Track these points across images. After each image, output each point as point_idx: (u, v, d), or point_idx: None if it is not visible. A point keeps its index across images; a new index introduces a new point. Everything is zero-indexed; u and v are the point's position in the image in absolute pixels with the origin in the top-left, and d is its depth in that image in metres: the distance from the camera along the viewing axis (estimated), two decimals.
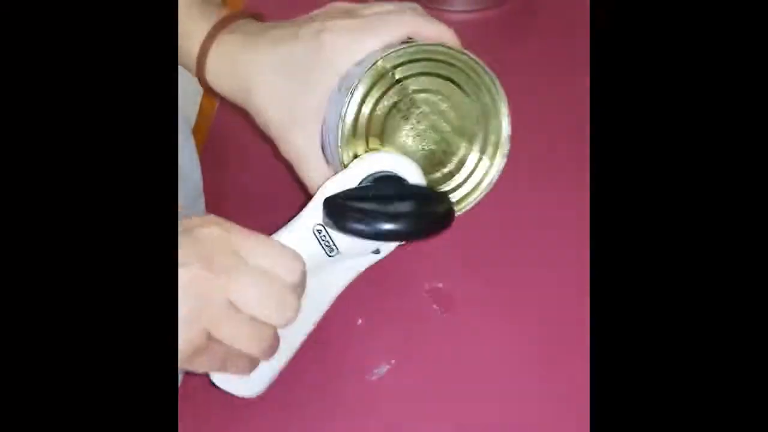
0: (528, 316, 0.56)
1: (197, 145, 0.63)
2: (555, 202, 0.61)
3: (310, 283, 0.43)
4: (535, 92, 0.67)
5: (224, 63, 0.48)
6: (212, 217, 0.41)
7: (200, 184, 0.61)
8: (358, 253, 0.46)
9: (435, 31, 0.47)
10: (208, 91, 0.51)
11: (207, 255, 0.38)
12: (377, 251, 0.46)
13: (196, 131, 0.65)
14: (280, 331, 0.42)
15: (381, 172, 0.44)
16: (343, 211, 0.41)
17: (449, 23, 0.48)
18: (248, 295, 0.38)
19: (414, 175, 0.44)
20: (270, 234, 0.45)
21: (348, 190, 0.43)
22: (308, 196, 0.45)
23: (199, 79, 0.50)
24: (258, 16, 0.51)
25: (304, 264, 0.41)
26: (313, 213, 0.44)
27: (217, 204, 0.61)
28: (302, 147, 0.47)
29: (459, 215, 0.48)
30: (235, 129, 0.65)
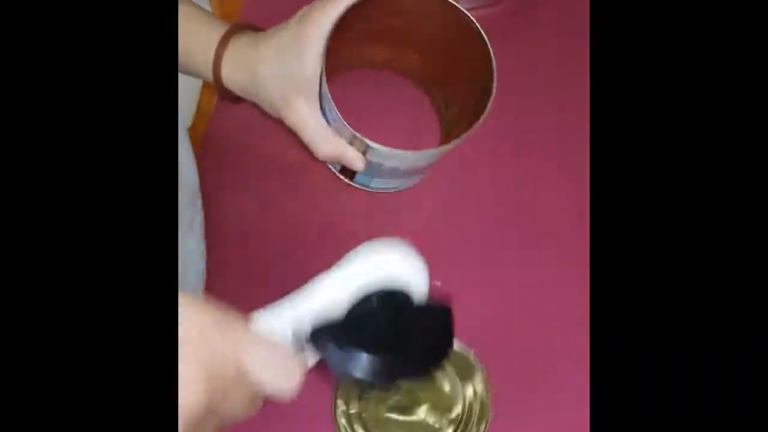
0: (525, 314, 0.56)
1: (194, 146, 0.63)
2: (555, 202, 0.61)
3: None
4: (535, 90, 0.68)
5: (236, 64, 0.53)
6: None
7: (197, 185, 0.61)
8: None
9: None
10: (226, 95, 0.55)
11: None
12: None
13: (192, 132, 0.65)
14: None
15: (383, 289, 0.39)
16: (324, 348, 0.38)
17: None
18: (258, 355, 0.37)
19: (420, 284, 0.41)
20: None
21: (338, 323, 0.39)
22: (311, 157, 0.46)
23: (216, 85, 0.55)
24: (257, 30, 0.56)
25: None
26: (296, 315, 0.40)
27: (216, 204, 0.61)
28: (303, 113, 0.50)
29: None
30: (234, 129, 0.65)
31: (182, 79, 0.51)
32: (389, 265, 0.40)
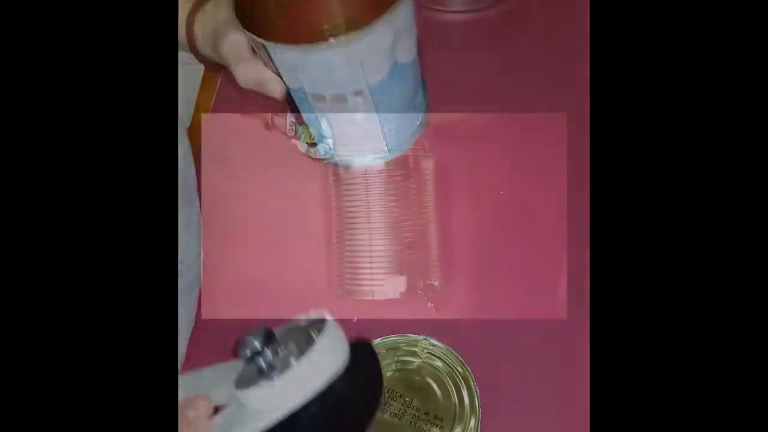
0: (524, 314, 0.56)
1: (192, 146, 0.63)
2: (554, 203, 0.61)
3: None
4: (533, 92, 0.68)
5: (204, 25, 0.56)
6: None
7: (195, 184, 0.61)
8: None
9: None
10: (201, 59, 0.58)
11: None
12: None
13: (190, 132, 0.65)
14: None
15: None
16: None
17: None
18: None
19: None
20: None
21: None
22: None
23: (192, 49, 0.58)
24: None
25: None
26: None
27: (213, 203, 0.61)
28: (233, 47, 0.52)
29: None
30: (232, 129, 0.65)
31: (181, 79, 0.51)
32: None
